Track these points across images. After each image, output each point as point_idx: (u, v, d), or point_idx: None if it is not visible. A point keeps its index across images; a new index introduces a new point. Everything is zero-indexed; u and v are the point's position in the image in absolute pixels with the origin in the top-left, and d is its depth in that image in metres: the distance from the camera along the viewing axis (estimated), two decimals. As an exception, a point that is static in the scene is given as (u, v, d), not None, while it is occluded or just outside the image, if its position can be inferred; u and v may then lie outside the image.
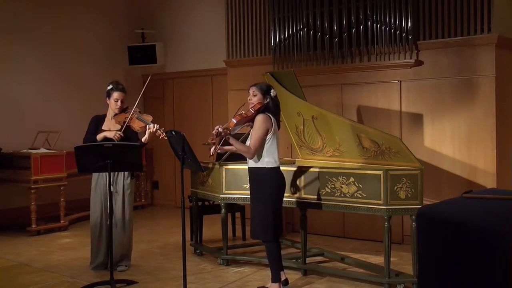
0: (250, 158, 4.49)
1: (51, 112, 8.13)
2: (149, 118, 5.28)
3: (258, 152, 4.46)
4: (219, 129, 4.50)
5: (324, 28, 6.57)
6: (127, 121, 5.20)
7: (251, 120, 4.52)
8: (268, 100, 4.51)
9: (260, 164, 4.47)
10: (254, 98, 4.53)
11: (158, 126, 5.12)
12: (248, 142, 4.53)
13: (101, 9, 9.00)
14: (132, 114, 5.25)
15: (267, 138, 4.44)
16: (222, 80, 8.24)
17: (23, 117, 7.87)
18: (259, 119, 4.44)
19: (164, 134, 5.04)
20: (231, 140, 4.53)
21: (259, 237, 4.58)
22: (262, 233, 4.51)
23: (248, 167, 4.60)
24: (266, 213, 4.45)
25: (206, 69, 8.68)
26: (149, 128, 5.13)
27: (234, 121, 4.49)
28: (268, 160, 4.45)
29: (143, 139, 5.21)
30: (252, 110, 4.50)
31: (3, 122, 7.65)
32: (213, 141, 4.56)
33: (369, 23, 6.26)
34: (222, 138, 4.61)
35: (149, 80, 5.49)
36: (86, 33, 8.74)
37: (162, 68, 9.25)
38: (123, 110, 5.35)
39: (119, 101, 5.30)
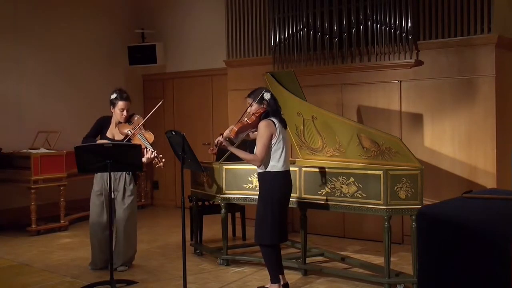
0: (258, 166, 4.47)
1: (51, 112, 8.13)
2: (151, 138, 5.16)
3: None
4: (220, 139, 4.53)
5: (324, 28, 6.57)
6: (130, 136, 5.14)
7: (254, 126, 4.52)
8: (265, 105, 4.51)
9: (265, 168, 4.46)
10: (251, 108, 4.55)
11: (156, 153, 5.00)
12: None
13: (101, 9, 9.00)
14: (136, 130, 5.16)
15: (272, 143, 4.42)
16: (222, 80, 8.24)
17: (23, 117, 7.87)
18: (262, 126, 4.42)
19: (161, 164, 4.96)
20: (234, 150, 4.53)
21: (256, 240, 4.57)
22: (258, 236, 4.50)
23: (257, 173, 4.60)
24: (265, 217, 4.43)
25: (206, 69, 8.68)
26: (147, 153, 5.00)
27: (235, 129, 4.48)
28: (273, 164, 4.44)
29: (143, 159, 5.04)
30: (254, 117, 4.49)
31: (3, 122, 7.65)
32: (213, 152, 4.60)
33: (369, 23, 6.26)
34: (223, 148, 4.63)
35: (158, 104, 5.34)
36: (86, 33, 8.74)
37: (162, 68, 9.25)
38: (128, 118, 5.30)
39: (125, 111, 5.24)
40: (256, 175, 4.68)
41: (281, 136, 4.45)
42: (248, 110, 4.57)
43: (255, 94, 4.57)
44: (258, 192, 4.60)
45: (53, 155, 7.20)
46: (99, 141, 5.21)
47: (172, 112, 9.27)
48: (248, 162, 4.55)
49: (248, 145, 5.03)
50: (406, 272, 4.91)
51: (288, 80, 5.44)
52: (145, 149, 5.02)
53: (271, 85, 5.53)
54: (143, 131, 5.20)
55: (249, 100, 4.56)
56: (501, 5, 5.85)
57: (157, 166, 5.00)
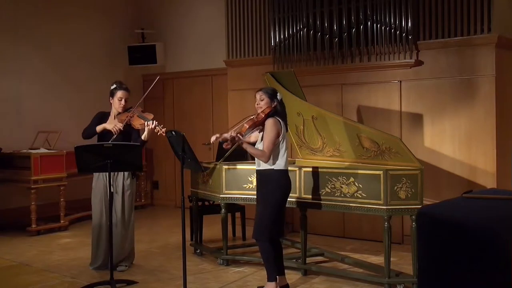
0: (266, 162, 4.47)
1: (51, 112, 8.13)
2: (149, 116, 5.33)
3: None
4: (233, 133, 4.54)
5: (324, 28, 6.57)
6: (129, 119, 5.26)
7: (261, 124, 4.55)
8: (275, 103, 4.56)
9: (269, 166, 4.49)
10: (261, 102, 4.57)
11: (156, 123, 5.17)
12: (260, 146, 4.54)
13: (101, 9, 8.99)
14: (134, 112, 5.30)
15: (278, 141, 4.46)
16: (222, 80, 8.24)
17: (23, 117, 7.87)
18: (270, 122, 4.47)
19: (162, 130, 5.09)
20: (245, 146, 4.57)
21: (254, 235, 4.58)
22: (257, 232, 4.51)
23: (256, 170, 4.62)
24: (265, 213, 4.46)
25: (206, 69, 8.68)
26: (147, 125, 5.17)
27: (246, 126, 4.53)
28: (277, 162, 4.47)
29: (142, 137, 5.26)
30: (262, 114, 4.53)
31: (3, 122, 7.65)
32: (227, 146, 4.62)
33: (369, 23, 6.26)
34: (235, 143, 4.63)
35: (155, 81, 5.46)
36: (86, 33, 8.74)
37: (162, 68, 9.24)
38: (126, 110, 5.38)
39: (123, 100, 5.37)
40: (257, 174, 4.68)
41: (285, 137, 4.52)
42: (256, 103, 4.59)
43: (267, 88, 4.68)
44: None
45: (53, 155, 7.20)
46: (104, 125, 5.33)
47: (172, 112, 9.27)
48: (257, 157, 4.57)
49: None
50: (406, 272, 4.91)
51: (288, 80, 5.44)
52: (145, 124, 5.20)
53: (271, 85, 5.52)
54: (141, 113, 5.39)
55: (262, 95, 4.57)
56: (501, 5, 5.85)
57: (158, 133, 5.14)
